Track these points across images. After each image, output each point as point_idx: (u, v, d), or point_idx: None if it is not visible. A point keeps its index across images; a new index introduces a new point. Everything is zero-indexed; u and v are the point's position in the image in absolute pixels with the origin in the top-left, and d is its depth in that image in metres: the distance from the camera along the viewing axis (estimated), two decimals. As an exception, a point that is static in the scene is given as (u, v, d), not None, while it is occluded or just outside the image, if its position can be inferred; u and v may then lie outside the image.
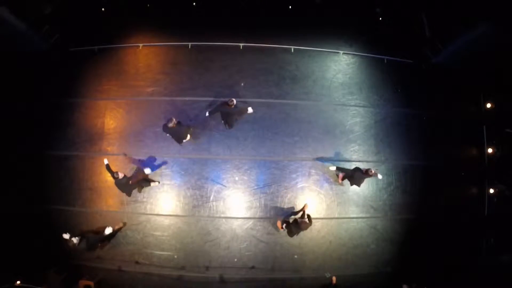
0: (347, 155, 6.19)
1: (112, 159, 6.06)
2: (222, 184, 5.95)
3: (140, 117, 6.19)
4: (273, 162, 6.06)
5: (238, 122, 5.82)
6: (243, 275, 5.81)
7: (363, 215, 6.10)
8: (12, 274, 5.40)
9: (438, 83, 6.77)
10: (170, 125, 5.01)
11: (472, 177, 6.59)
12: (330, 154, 6.15)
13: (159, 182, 5.85)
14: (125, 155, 5.79)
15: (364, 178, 5.43)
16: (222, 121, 5.76)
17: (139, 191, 5.81)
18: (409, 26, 6.92)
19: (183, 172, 5.95)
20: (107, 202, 5.95)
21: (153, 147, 6.04)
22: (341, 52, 6.76)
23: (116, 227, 5.68)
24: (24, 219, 5.90)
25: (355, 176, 5.42)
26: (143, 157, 6.00)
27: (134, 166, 5.91)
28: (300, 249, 5.90)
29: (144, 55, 6.58)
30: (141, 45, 6.62)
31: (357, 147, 6.28)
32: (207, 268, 5.80)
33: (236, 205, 5.93)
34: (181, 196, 5.91)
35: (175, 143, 5.82)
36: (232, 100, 4.95)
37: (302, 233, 5.88)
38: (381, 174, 5.54)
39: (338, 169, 5.87)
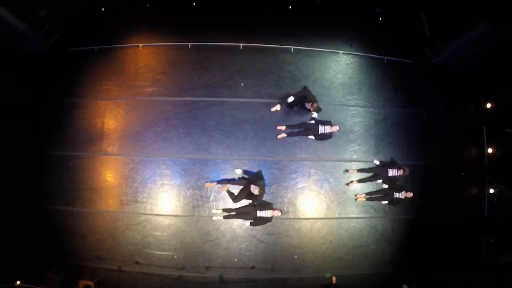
0: (347, 155, 6.19)
1: (112, 159, 6.10)
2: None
3: (140, 117, 6.18)
4: (273, 162, 6.06)
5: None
6: (243, 275, 5.81)
7: (363, 215, 6.10)
8: (12, 274, 5.40)
9: (438, 83, 6.76)
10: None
11: (472, 177, 6.59)
12: (330, 154, 6.15)
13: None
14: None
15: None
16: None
17: None
18: (409, 26, 6.90)
19: (183, 172, 5.95)
20: (107, 202, 5.95)
21: (153, 147, 6.04)
22: (341, 52, 6.75)
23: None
24: (24, 219, 5.90)
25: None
26: (143, 157, 6.01)
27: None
28: (300, 249, 5.90)
29: (144, 55, 6.57)
30: (141, 45, 6.61)
31: (357, 147, 6.27)
32: (207, 268, 5.80)
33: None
34: (181, 196, 5.90)
35: (175, 143, 5.89)
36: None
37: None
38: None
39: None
